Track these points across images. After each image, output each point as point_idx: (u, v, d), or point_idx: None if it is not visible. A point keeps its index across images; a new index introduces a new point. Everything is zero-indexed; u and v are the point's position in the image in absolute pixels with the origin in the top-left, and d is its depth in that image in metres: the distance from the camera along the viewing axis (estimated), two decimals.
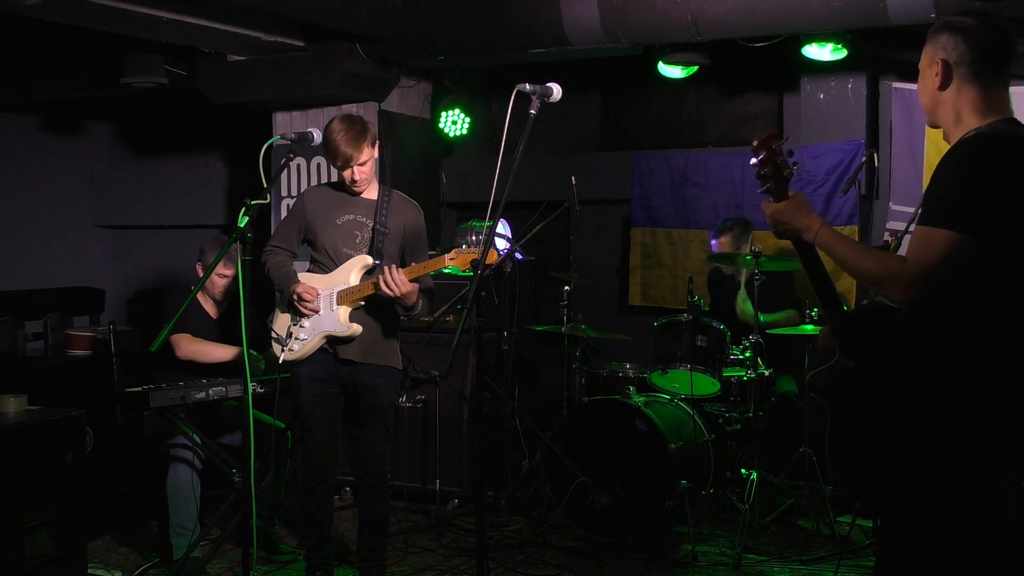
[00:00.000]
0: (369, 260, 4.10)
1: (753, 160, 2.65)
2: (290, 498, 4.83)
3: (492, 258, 3.96)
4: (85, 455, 4.25)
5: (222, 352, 4.71)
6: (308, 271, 4.20)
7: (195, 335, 4.71)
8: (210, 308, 4.89)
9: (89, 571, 4.33)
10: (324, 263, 4.14)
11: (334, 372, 4.12)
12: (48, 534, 4.06)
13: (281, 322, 4.15)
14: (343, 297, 4.05)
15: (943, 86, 2.52)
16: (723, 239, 5.54)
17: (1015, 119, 2.50)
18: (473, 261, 3.81)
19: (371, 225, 4.13)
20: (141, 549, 4.93)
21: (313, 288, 4.06)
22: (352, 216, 4.13)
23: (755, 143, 2.64)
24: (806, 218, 2.58)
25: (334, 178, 6.18)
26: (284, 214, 6.41)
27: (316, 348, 4.08)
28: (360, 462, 4.21)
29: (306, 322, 4.08)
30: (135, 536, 5.08)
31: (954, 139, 2.51)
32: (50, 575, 3.94)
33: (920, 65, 2.60)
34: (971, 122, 2.47)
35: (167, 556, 4.58)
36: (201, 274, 4.81)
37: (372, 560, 4.25)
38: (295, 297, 4.04)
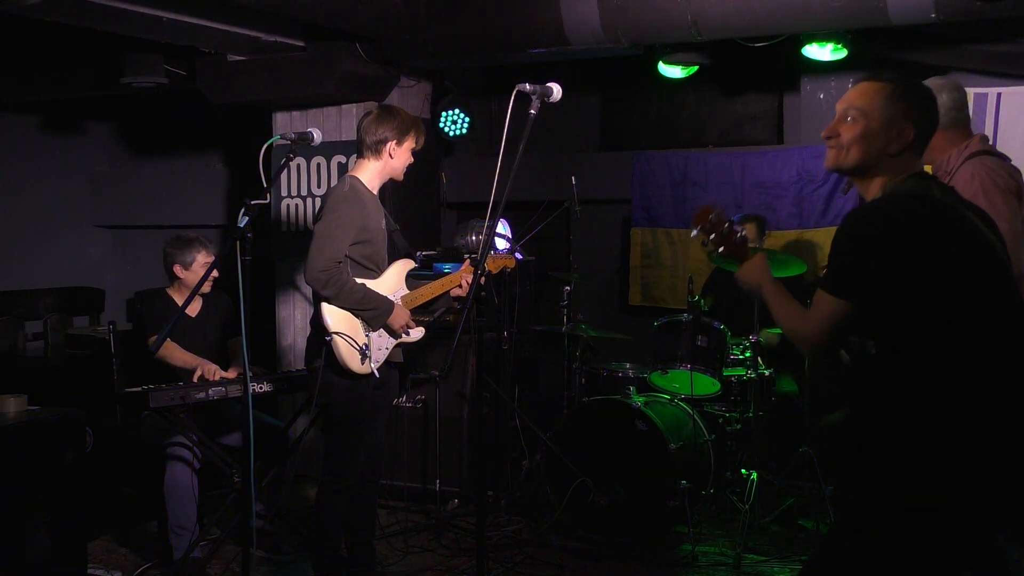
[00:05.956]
0: (412, 263, 4.11)
1: (694, 233, 2.79)
2: (290, 498, 4.83)
3: (499, 265, 3.97)
4: (85, 455, 4.25)
5: (191, 360, 4.68)
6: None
7: (175, 335, 4.67)
8: (189, 308, 4.77)
9: (89, 571, 4.33)
10: (370, 268, 4.00)
11: (383, 376, 4.06)
12: (48, 534, 4.06)
13: (355, 330, 3.91)
14: (409, 302, 4.04)
15: None
16: (746, 227, 5.49)
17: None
18: (473, 261, 3.82)
19: (388, 227, 4.13)
20: (141, 549, 4.93)
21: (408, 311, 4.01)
22: (385, 219, 4.12)
23: (691, 223, 2.79)
24: (759, 277, 2.71)
25: (334, 179, 6.21)
26: (284, 215, 6.41)
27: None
28: (373, 459, 4.18)
29: (381, 330, 4.01)
30: (135, 536, 5.08)
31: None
32: (50, 575, 3.94)
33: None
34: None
35: (167, 556, 4.58)
36: (181, 275, 4.81)
37: (370, 561, 4.23)
38: (398, 325, 3.95)
